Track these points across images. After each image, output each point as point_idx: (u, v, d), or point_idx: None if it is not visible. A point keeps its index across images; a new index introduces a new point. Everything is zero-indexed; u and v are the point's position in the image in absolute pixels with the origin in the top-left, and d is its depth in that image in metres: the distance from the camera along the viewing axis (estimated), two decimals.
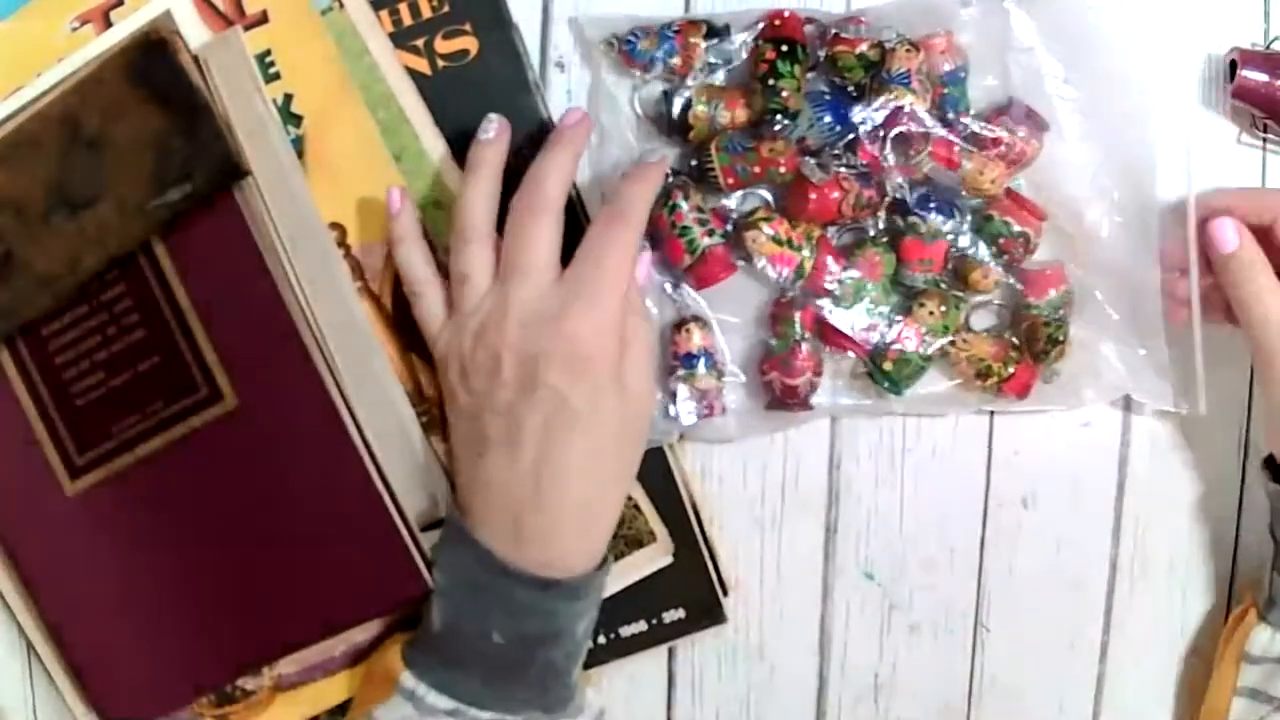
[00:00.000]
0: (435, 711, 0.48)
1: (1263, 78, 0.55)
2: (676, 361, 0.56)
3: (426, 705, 0.48)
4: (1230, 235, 0.52)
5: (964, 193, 0.55)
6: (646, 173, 0.51)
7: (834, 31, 0.54)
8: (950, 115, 0.55)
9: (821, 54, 0.54)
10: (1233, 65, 0.55)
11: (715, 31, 0.54)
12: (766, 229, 0.54)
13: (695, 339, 0.56)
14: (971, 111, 0.55)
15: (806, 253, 0.54)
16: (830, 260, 0.55)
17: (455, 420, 0.52)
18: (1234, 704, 0.55)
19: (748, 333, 0.57)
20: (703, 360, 0.56)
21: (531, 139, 0.56)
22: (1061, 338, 0.56)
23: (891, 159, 0.54)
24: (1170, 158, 0.56)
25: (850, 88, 0.55)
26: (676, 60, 0.55)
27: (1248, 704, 0.54)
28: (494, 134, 0.52)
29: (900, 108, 0.53)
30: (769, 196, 0.57)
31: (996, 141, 0.54)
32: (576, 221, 0.56)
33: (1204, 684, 0.58)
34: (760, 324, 0.57)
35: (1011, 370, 0.55)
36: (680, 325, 0.56)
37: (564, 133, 0.51)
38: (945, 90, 0.54)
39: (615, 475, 0.50)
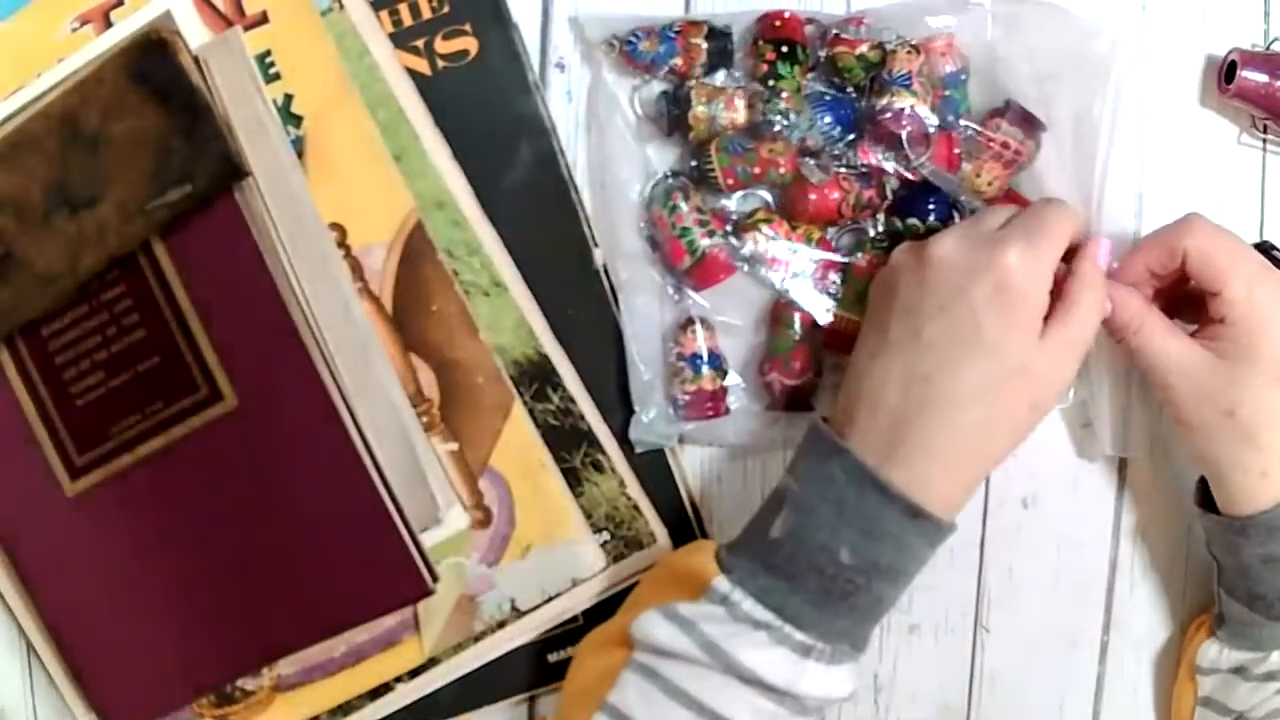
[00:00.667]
0: (746, 619, 0.46)
1: (1262, 78, 0.55)
2: (681, 363, 0.56)
3: (741, 612, 0.46)
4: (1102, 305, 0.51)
5: (962, 197, 0.55)
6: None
7: (834, 32, 0.54)
8: (950, 117, 0.55)
9: (822, 54, 0.54)
10: (1232, 66, 0.55)
11: (717, 33, 0.54)
12: (766, 230, 0.54)
13: (699, 340, 0.56)
14: (970, 109, 0.55)
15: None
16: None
17: (864, 328, 0.52)
18: (1196, 714, 0.56)
19: (748, 334, 0.57)
20: (707, 361, 0.56)
21: (531, 139, 0.56)
22: None
23: (892, 160, 0.54)
24: (1170, 159, 0.56)
25: (850, 89, 0.55)
26: (677, 61, 0.54)
27: (1204, 713, 0.55)
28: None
29: (901, 109, 0.53)
30: (769, 197, 0.57)
31: (994, 144, 0.54)
32: (573, 215, 0.56)
33: None
34: (760, 325, 0.57)
35: None
36: (684, 326, 0.56)
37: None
38: (946, 93, 0.54)
39: (1004, 423, 0.48)
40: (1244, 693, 0.53)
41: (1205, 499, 0.54)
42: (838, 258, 0.55)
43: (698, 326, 0.56)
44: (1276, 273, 0.51)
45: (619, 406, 0.57)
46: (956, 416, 0.47)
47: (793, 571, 0.47)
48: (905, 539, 0.46)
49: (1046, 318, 0.48)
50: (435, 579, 0.55)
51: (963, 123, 0.54)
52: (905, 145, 0.53)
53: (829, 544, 0.46)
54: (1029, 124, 0.54)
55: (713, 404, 0.56)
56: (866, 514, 0.46)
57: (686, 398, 0.56)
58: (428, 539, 0.56)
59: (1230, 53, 0.56)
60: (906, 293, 0.49)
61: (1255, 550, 0.51)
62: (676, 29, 0.54)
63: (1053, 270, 0.48)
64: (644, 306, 0.56)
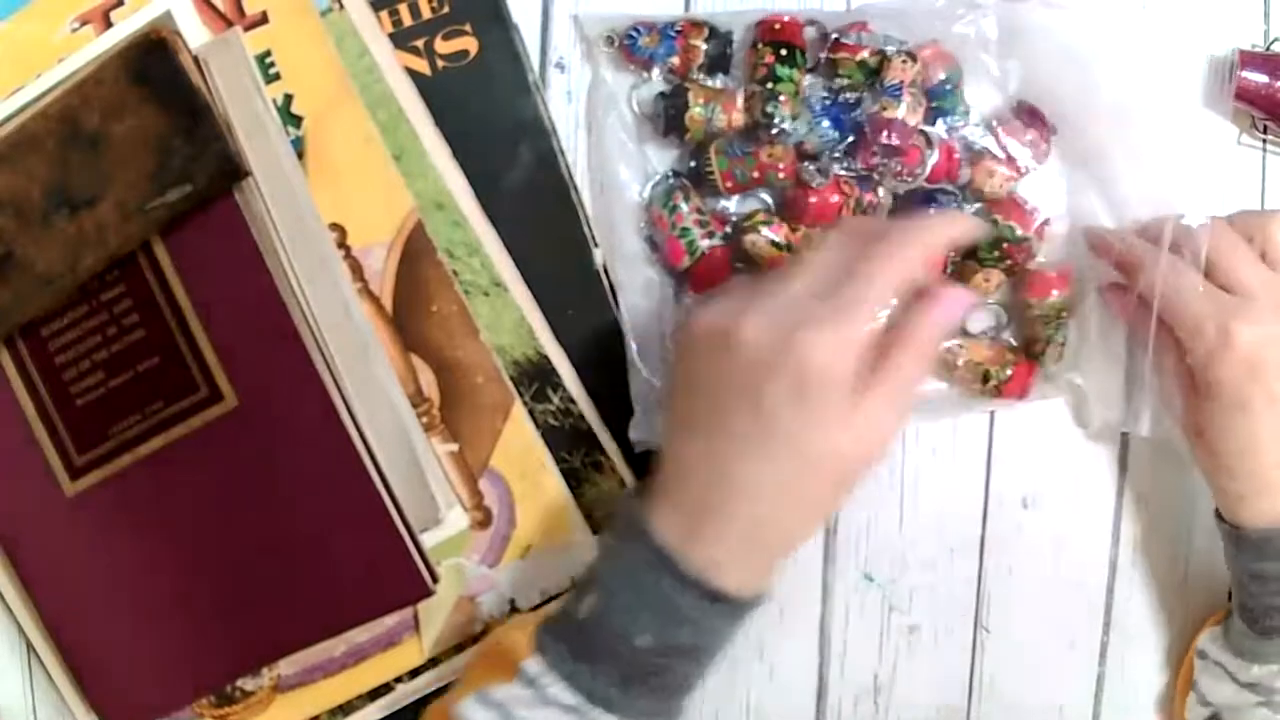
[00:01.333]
0: (554, 703, 0.45)
1: (1263, 79, 0.55)
2: None
3: (548, 695, 0.45)
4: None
5: (962, 191, 0.55)
6: (946, 219, 0.48)
7: (835, 37, 0.54)
8: (945, 125, 0.55)
9: (822, 56, 0.54)
10: (1232, 67, 0.55)
11: (717, 35, 0.54)
12: (766, 232, 0.54)
13: None
14: (968, 114, 0.55)
15: None
16: None
17: (673, 391, 0.49)
18: (1189, 696, 0.57)
19: None
20: None
21: (531, 139, 0.56)
22: (1061, 339, 0.56)
23: (885, 168, 0.54)
24: (1170, 159, 0.56)
25: (849, 94, 0.55)
26: (675, 60, 0.55)
27: (1192, 695, 0.56)
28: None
29: (892, 120, 0.53)
30: (769, 199, 0.57)
31: (1002, 148, 0.54)
32: (573, 215, 0.56)
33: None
34: None
35: (1009, 373, 0.55)
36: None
37: (944, 226, 0.47)
38: (934, 104, 0.54)
39: (808, 508, 0.45)
40: (1229, 693, 0.53)
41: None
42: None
43: None
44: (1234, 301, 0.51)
45: (619, 407, 0.57)
46: (755, 508, 0.44)
47: (597, 654, 0.46)
48: (705, 622, 0.45)
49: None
50: (435, 579, 0.55)
51: (962, 131, 0.54)
52: (894, 155, 0.53)
53: (629, 628, 0.45)
54: (1040, 127, 0.54)
55: None
56: (664, 599, 0.45)
57: None
58: (428, 539, 0.56)
59: (1230, 52, 0.56)
60: (709, 374, 0.45)
61: (1248, 564, 0.51)
62: (678, 28, 0.54)
63: (862, 339, 0.43)
64: (644, 306, 0.56)
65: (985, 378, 0.56)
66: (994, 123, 0.55)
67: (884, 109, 0.53)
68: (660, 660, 0.45)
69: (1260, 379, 0.49)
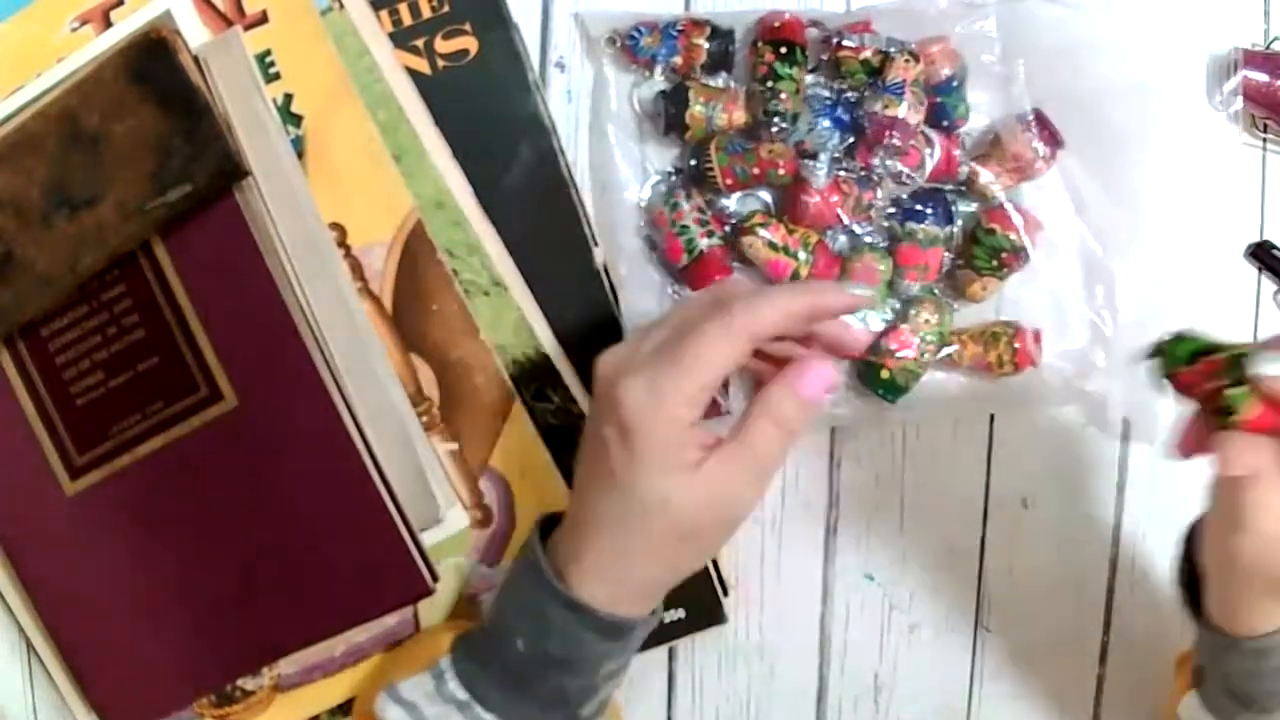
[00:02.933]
0: (451, 699, 0.48)
1: (1263, 78, 0.55)
2: None
3: (446, 691, 0.49)
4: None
5: (960, 192, 0.55)
6: (797, 293, 0.46)
7: (837, 40, 0.54)
8: (945, 123, 0.55)
9: (824, 56, 0.54)
10: (1234, 66, 0.55)
11: (719, 34, 0.54)
12: (763, 234, 0.54)
13: None
14: (969, 113, 0.55)
15: (803, 258, 0.54)
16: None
17: None
18: None
19: None
20: None
21: (531, 139, 0.56)
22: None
23: (885, 169, 0.54)
24: (1170, 159, 0.56)
25: (850, 93, 0.55)
26: (678, 60, 0.55)
27: None
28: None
29: (894, 119, 0.53)
30: (768, 199, 0.57)
31: (1013, 154, 0.54)
32: (573, 214, 0.56)
33: None
34: None
35: (1016, 348, 0.55)
36: None
37: (814, 298, 0.46)
38: (938, 100, 0.54)
39: (651, 551, 0.46)
40: None
41: (1193, 597, 0.51)
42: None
43: None
44: None
45: None
46: (607, 539, 0.46)
47: (487, 656, 0.49)
48: (571, 633, 0.47)
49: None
50: (435, 579, 0.55)
51: (963, 129, 0.54)
52: (895, 154, 0.53)
53: (511, 633, 0.48)
54: (1050, 139, 0.54)
55: (712, 405, 0.56)
56: (536, 606, 0.47)
57: None
58: (428, 539, 0.56)
59: (1231, 52, 0.56)
60: (590, 403, 0.48)
61: (1243, 665, 0.48)
62: (680, 27, 0.54)
63: (688, 404, 0.44)
64: (644, 305, 0.56)
65: (998, 364, 0.56)
66: (1000, 126, 0.55)
67: (885, 107, 0.53)
68: (535, 668, 0.47)
69: None
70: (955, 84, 0.55)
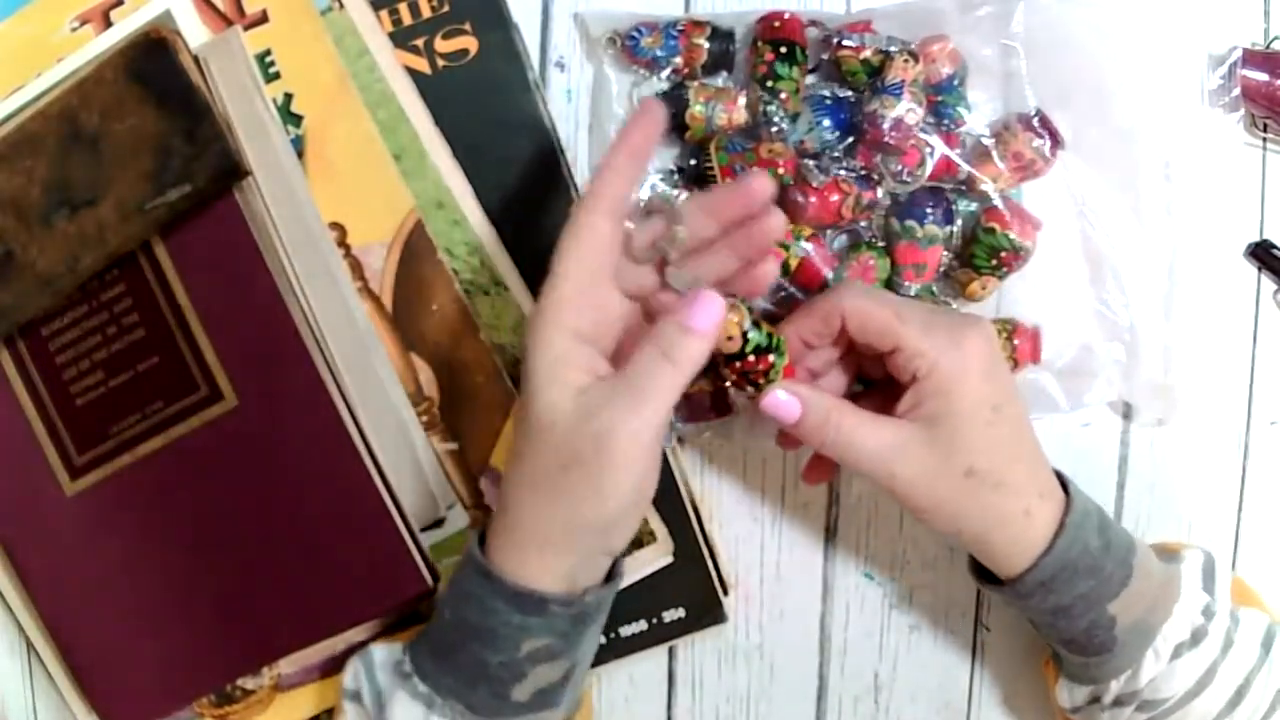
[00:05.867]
0: (398, 671, 0.49)
1: (1263, 77, 0.55)
2: None
3: (399, 658, 0.50)
4: (790, 408, 0.47)
5: (960, 190, 0.55)
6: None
7: (838, 39, 0.54)
8: (946, 123, 0.54)
9: (825, 56, 0.54)
10: (1235, 65, 0.55)
11: (720, 34, 0.54)
12: None
13: None
14: (969, 112, 0.55)
15: (794, 251, 0.54)
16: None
17: None
18: None
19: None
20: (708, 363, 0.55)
21: (531, 138, 0.56)
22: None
23: (885, 168, 0.54)
24: (1170, 158, 0.56)
25: (850, 93, 0.55)
26: (679, 60, 0.55)
27: None
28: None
29: (893, 119, 0.53)
30: None
31: (1014, 154, 0.54)
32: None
33: None
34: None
35: (1015, 344, 0.55)
36: None
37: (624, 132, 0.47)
38: (939, 99, 0.54)
39: (541, 490, 0.46)
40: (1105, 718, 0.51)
41: (981, 569, 0.51)
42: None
43: None
44: (940, 311, 0.49)
45: None
46: (505, 490, 0.47)
47: (429, 627, 0.50)
48: (486, 601, 0.47)
49: None
50: (435, 579, 0.55)
51: (963, 128, 0.54)
52: (881, 155, 0.53)
53: (443, 603, 0.49)
54: (1051, 138, 0.54)
55: (715, 406, 0.56)
56: (461, 575, 0.48)
57: (688, 400, 0.56)
58: (428, 539, 0.56)
59: (1231, 51, 0.56)
60: None
61: (1046, 604, 0.49)
62: (680, 28, 0.54)
63: (564, 307, 0.45)
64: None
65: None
66: (1002, 126, 0.55)
67: (884, 107, 0.53)
68: (457, 637, 0.48)
69: (998, 381, 0.47)
70: (956, 83, 0.55)
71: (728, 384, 0.48)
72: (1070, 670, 0.52)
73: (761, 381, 0.47)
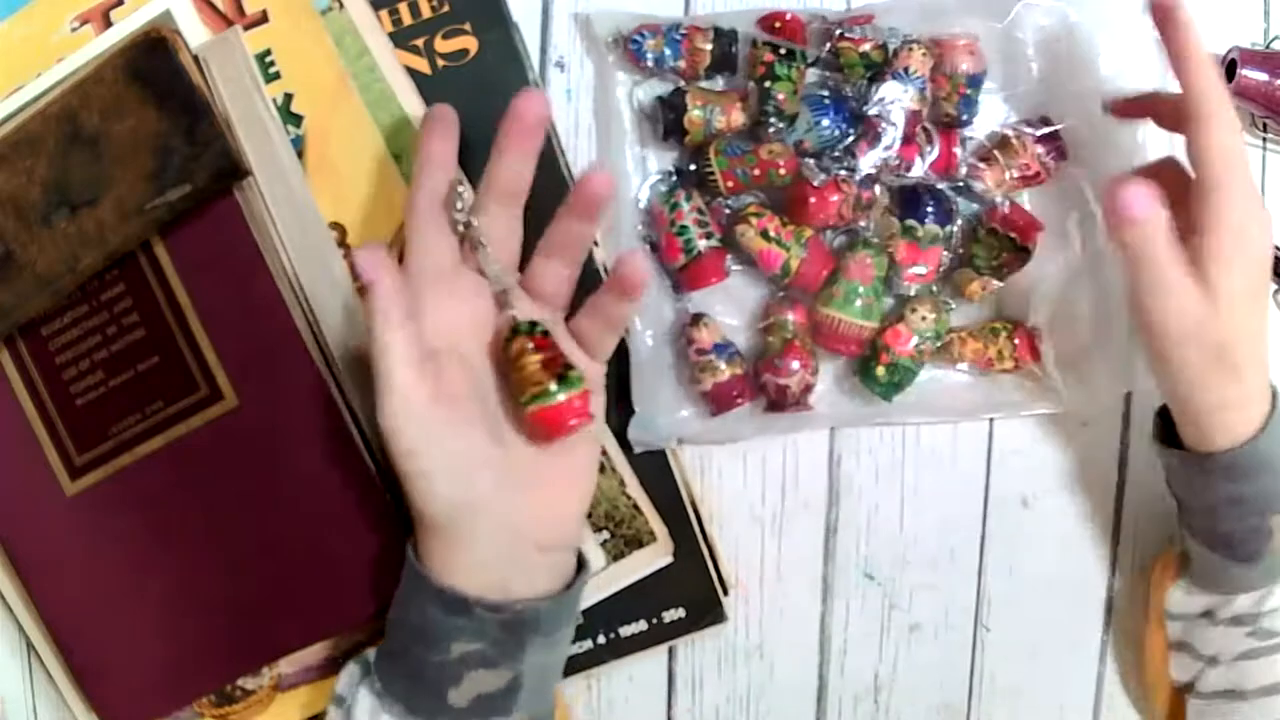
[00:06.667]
0: (356, 675, 0.50)
1: (1262, 77, 0.55)
2: (704, 356, 0.55)
3: (366, 663, 0.51)
4: (1146, 202, 0.47)
5: (960, 190, 0.55)
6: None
7: (839, 32, 0.54)
8: (964, 118, 0.55)
9: (826, 47, 0.54)
10: (1232, 65, 0.55)
11: (722, 37, 0.54)
12: (756, 224, 0.54)
13: (712, 333, 0.56)
14: (976, 113, 0.55)
15: (794, 250, 0.54)
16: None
17: None
18: (1171, 659, 0.56)
19: (738, 335, 0.57)
20: (727, 352, 0.56)
21: None
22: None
23: (882, 160, 0.54)
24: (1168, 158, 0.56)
25: (849, 91, 0.55)
26: (682, 63, 0.55)
27: (1178, 657, 0.55)
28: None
29: (909, 110, 0.53)
30: (765, 197, 0.56)
31: (1020, 164, 0.54)
32: None
33: None
34: (752, 326, 0.57)
35: (1015, 344, 0.55)
36: (696, 321, 0.56)
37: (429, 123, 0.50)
38: (966, 91, 0.54)
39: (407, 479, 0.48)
40: (1215, 636, 0.53)
41: (1167, 434, 0.53)
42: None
43: (710, 319, 0.56)
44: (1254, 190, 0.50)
45: (619, 406, 0.57)
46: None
47: (385, 630, 0.50)
48: (416, 599, 0.48)
49: None
50: None
51: (994, 129, 0.54)
52: (881, 142, 0.53)
53: (395, 607, 0.50)
54: (1056, 150, 0.54)
55: (739, 392, 0.56)
56: (404, 573, 0.49)
57: (712, 390, 0.56)
58: None
59: (1230, 51, 0.56)
60: None
61: (1223, 489, 0.50)
62: (683, 31, 0.54)
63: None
64: (645, 306, 0.56)
65: (998, 359, 0.56)
66: (1010, 133, 0.55)
67: (899, 96, 0.52)
68: (401, 637, 0.49)
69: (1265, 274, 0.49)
70: (981, 80, 0.55)
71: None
72: (1202, 572, 0.53)
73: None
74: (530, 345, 0.47)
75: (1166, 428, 0.53)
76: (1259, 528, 0.50)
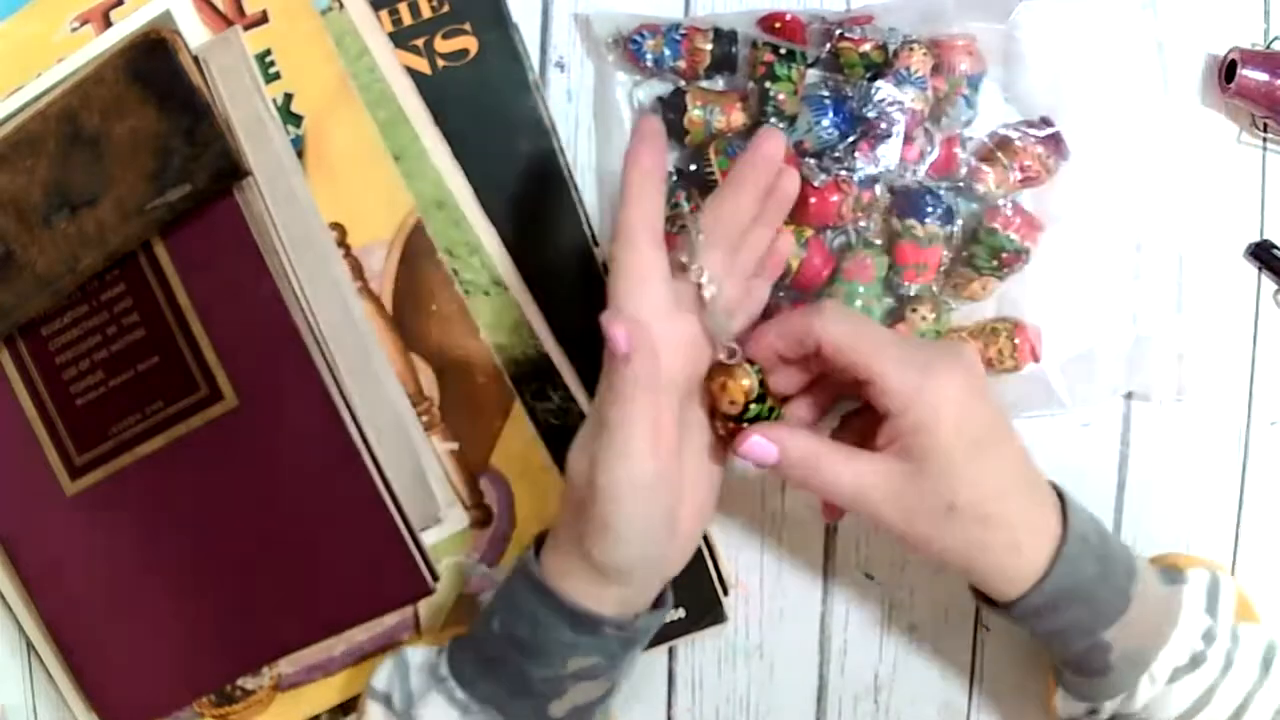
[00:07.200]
0: (433, 673, 0.50)
1: (1262, 77, 0.55)
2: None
3: (436, 664, 0.50)
4: (766, 451, 0.46)
5: (960, 190, 0.55)
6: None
7: (839, 32, 0.54)
8: (963, 118, 0.55)
9: (826, 47, 0.54)
10: (1232, 65, 0.55)
11: (722, 38, 0.54)
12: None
13: None
14: (976, 114, 0.55)
15: (794, 251, 0.54)
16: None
17: None
18: None
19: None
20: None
21: (531, 138, 0.56)
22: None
23: (883, 158, 0.54)
24: (1170, 158, 0.56)
25: (849, 91, 0.55)
26: (682, 64, 0.55)
27: None
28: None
29: (910, 109, 0.53)
30: None
31: (1020, 165, 0.54)
32: (573, 215, 0.56)
33: None
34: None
35: (1016, 344, 0.55)
36: None
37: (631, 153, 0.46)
38: (965, 92, 0.54)
39: (581, 521, 0.46)
40: None
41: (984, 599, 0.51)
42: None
43: None
44: (919, 344, 0.49)
45: None
46: (564, 518, 0.48)
47: (472, 635, 0.50)
48: (539, 616, 0.47)
49: None
50: (435, 579, 0.55)
51: (994, 129, 0.54)
52: (880, 139, 0.53)
53: (491, 614, 0.49)
54: (1056, 149, 0.54)
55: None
56: (514, 589, 0.49)
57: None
58: (428, 539, 0.56)
59: (1230, 51, 0.56)
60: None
61: (1041, 628, 0.48)
62: (683, 31, 0.54)
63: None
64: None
65: (997, 360, 0.56)
66: (1011, 132, 0.55)
67: (901, 95, 0.52)
68: (504, 648, 0.48)
69: (978, 415, 0.46)
70: (982, 81, 0.55)
71: (718, 432, 0.48)
72: (1067, 685, 0.52)
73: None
74: (759, 391, 0.47)
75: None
76: (1094, 645, 0.48)
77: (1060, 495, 0.49)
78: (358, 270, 0.56)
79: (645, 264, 0.45)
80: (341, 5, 0.55)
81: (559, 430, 0.57)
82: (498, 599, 0.49)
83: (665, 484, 0.46)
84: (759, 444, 0.46)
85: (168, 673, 0.57)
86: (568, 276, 0.57)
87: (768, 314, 0.57)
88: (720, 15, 0.56)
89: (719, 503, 0.59)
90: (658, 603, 0.50)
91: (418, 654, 0.51)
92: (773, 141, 0.48)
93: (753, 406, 0.47)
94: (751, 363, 0.47)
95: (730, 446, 0.48)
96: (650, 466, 0.44)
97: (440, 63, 0.56)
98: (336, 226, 0.55)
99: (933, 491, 0.45)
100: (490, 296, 0.56)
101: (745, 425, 0.47)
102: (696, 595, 0.58)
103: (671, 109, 0.54)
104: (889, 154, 0.54)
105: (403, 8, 0.55)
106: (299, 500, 0.54)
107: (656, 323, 0.45)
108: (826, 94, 0.55)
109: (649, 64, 0.55)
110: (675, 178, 0.56)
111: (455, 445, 0.57)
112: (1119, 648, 0.48)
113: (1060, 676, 0.53)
